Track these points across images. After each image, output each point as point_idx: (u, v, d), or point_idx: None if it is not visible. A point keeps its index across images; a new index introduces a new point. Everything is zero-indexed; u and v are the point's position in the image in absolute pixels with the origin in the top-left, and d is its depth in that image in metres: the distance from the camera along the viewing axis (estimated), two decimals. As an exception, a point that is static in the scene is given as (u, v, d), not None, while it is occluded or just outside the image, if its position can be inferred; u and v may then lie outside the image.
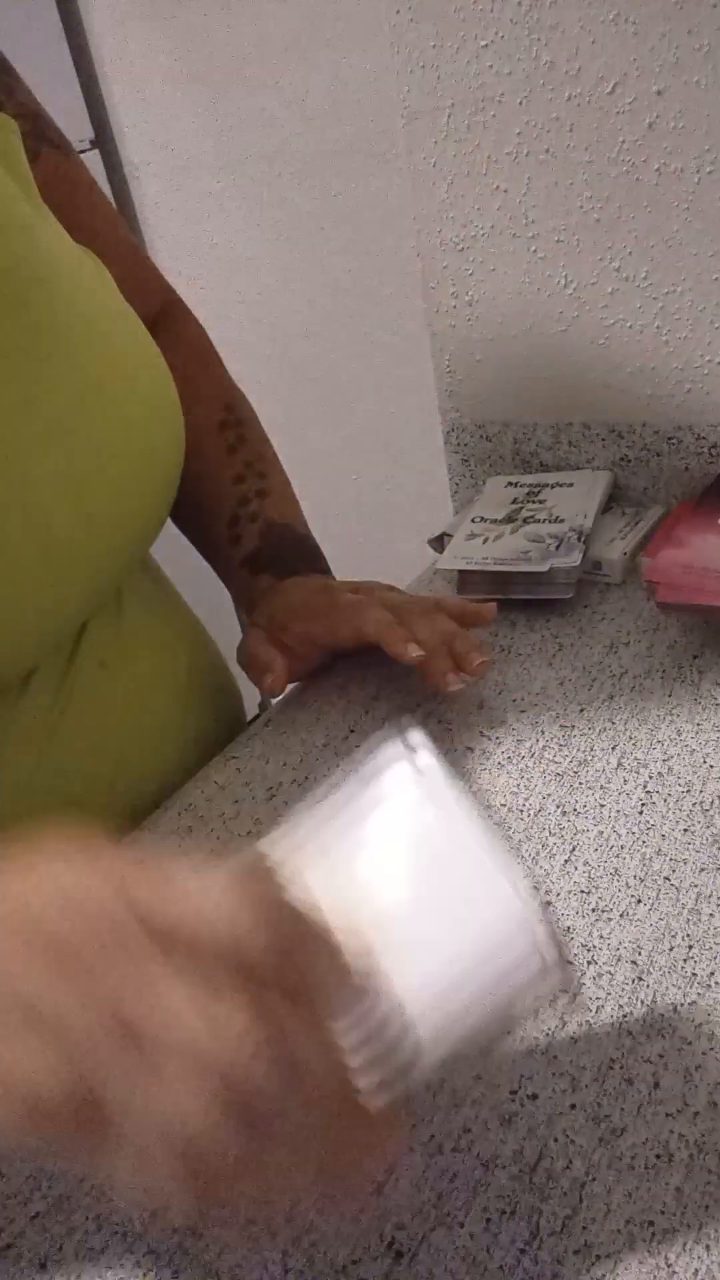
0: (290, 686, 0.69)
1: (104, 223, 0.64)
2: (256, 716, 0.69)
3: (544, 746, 0.61)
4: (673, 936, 0.46)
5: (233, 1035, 0.26)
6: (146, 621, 0.62)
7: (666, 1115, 0.39)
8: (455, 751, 0.61)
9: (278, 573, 0.67)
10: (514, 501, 0.83)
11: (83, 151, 1.39)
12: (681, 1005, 0.43)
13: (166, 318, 0.71)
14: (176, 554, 0.70)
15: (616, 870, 0.51)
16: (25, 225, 0.50)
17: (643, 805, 0.55)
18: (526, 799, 0.57)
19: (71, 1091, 0.27)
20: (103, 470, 0.52)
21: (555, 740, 0.61)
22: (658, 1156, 0.38)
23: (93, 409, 0.51)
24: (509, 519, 0.80)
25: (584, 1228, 0.36)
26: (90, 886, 0.29)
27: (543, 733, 0.62)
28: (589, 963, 0.46)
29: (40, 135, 0.59)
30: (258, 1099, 0.26)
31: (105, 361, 0.53)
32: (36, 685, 0.54)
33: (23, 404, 0.48)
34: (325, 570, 0.70)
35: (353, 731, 0.65)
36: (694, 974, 0.44)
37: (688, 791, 0.55)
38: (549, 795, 0.57)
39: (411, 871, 0.35)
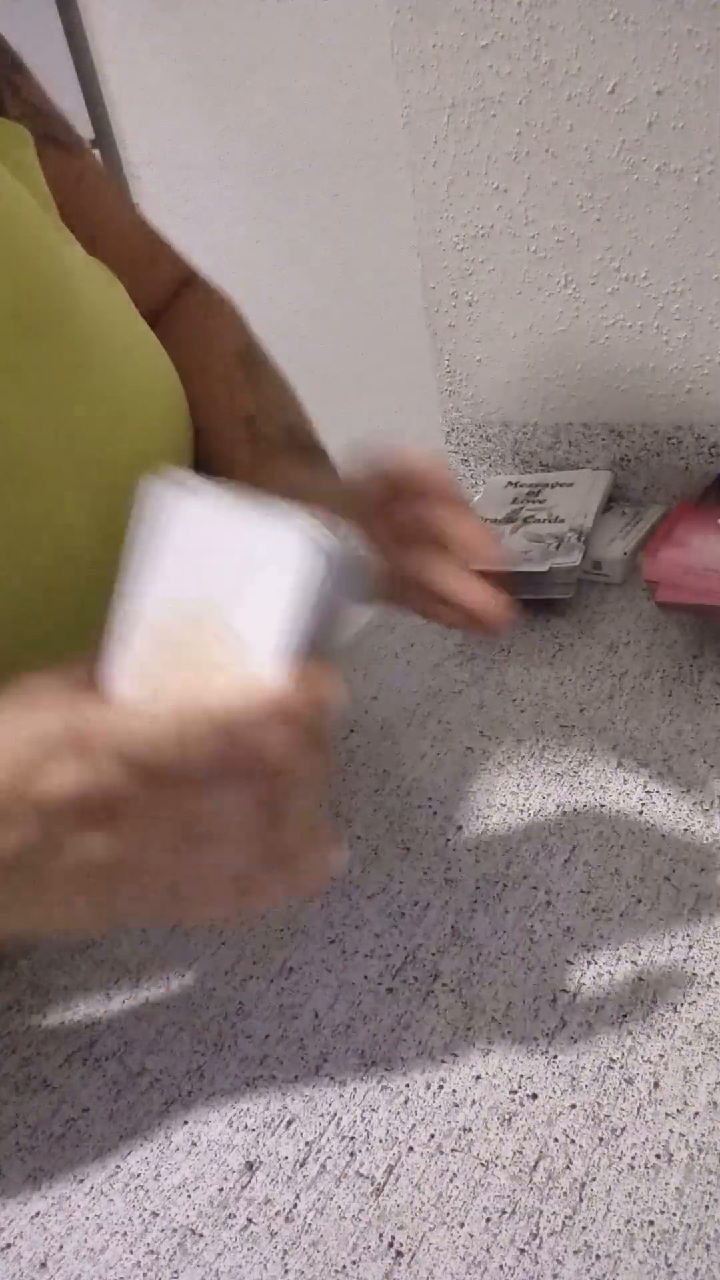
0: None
1: (111, 215, 0.64)
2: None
3: (544, 746, 0.61)
4: (673, 936, 0.46)
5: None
6: None
7: (666, 1115, 0.39)
8: (455, 751, 0.61)
9: (295, 450, 0.60)
10: (514, 501, 0.83)
11: (83, 151, 1.38)
12: (681, 1005, 0.43)
13: (188, 287, 0.71)
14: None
15: (616, 870, 0.51)
16: (52, 249, 0.51)
17: (643, 805, 0.55)
18: (526, 799, 0.57)
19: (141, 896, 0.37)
20: (124, 492, 0.52)
21: (555, 740, 0.61)
22: (658, 1156, 0.38)
23: (116, 435, 0.52)
24: (509, 519, 0.80)
25: (584, 1228, 0.36)
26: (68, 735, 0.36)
27: (543, 733, 0.62)
28: (589, 963, 0.46)
29: (45, 135, 0.59)
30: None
31: (127, 385, 0.53)
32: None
33: (53, 433, 0.49)
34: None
35: (352, 731, 0.65)
36: (694, 974, 0.44)
37: (688, 791, 0.55)
38: (549, 795, 0.57)
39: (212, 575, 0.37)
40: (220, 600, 0.37)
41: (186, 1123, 0.42)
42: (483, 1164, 0.38)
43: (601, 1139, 0.39)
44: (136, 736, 0.36)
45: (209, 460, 0.63)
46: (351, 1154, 0.39)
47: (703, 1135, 0.38)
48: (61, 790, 0.36)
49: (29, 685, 0.40)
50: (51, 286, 0.50)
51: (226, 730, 0.36)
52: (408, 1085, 0.42)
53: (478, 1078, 0.41)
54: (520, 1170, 0.38)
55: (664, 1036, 0.42)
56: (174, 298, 0.68)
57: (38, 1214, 0.39)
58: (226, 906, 0.40)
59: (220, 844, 0.39)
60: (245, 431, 0.62)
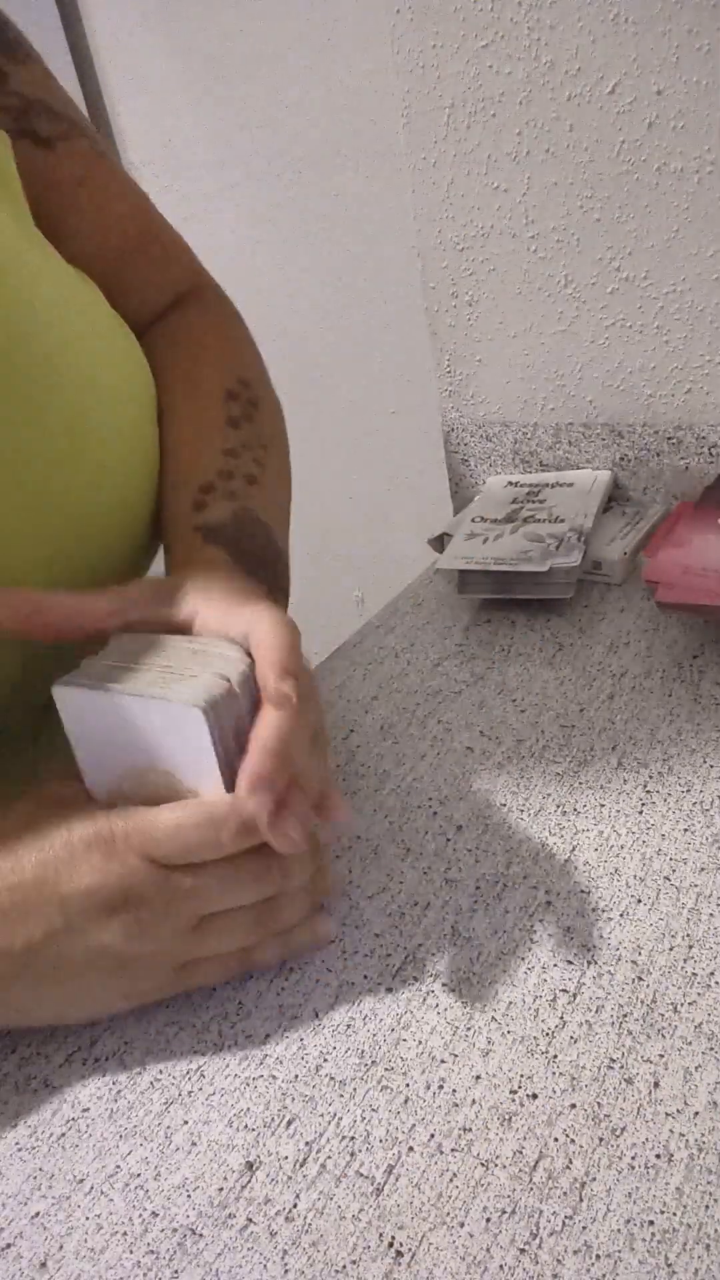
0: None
1: (101, 208, 0.59)
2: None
3: (544, 746, 0.61)
4: (673, 936, 0.46)
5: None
6: None
7: (666, 1115, 0.39)
8: (455, 751, 0.61)
9: (235, 556, 0.52)
10: (514, 501, 0.83)
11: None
12: (681, 1005, 0.43)
13: (186, 300, 0.65)
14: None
15: (616, 870, 0.51)
16: (19, 262, 0.48)
17: (643, 805, 0.55)
18: (526, 799, 0.57)
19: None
20: (78, 533, 0.50)
21: (555, 740, 0.61)
22: (658, 1156, 0.38)
23: (74, 465, 0.49)
24: (509, 519, 0.81)
25: (584, 1228, 0.36)
26: (96, 838, 0.41)
27: (543, 733, 0.62)
28: (589, 963, 0.46)
29: (22, 130, 0.55)
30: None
31: (90, 412, 0.50)
32: (10, 738, 0.53)
33: (2, 466, 0.46)
34: (283, 595, 0.56)
35: (353, 731, 0.65)
36: (694, 974, 0.44)
37: (688, 791, 0.55)
38: (549, 795, 0.57)
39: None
40: (153, 762, 0.43)
41: (186, 1123, 0.42)
42: (483, 1164, 0.38)
43: (601, 1139, 0.39)
44: (160, 835, 0.41)
45: (159, 513, 0.56)
46: (351, 1154, 0.39)
47: (703, 1135, 0.38)
48: (87, 884, 0.41)
49: (54, 791, 0.46)
50: (13, 306, 0.47)
51: (236, 828, 0.41)
52: (408, 1085, 0.42)
53: (478, 1078, 0.41)
54: (520, 1170, 0.38)
55: (664, 1036, 0.42)
56: (175, 306, 0.63)
57: (38, 1214, 0.39)
58: (228, 974, 0.47)
59: (225, 927, 0.45)
60: (192, 507, 0.54)
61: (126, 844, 0.41)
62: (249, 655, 0.44)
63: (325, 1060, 0.43)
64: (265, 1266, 0.36)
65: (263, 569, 0.53)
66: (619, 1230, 0.36)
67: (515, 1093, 0.41)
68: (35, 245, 0.51)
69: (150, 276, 0.61)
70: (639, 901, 0.49)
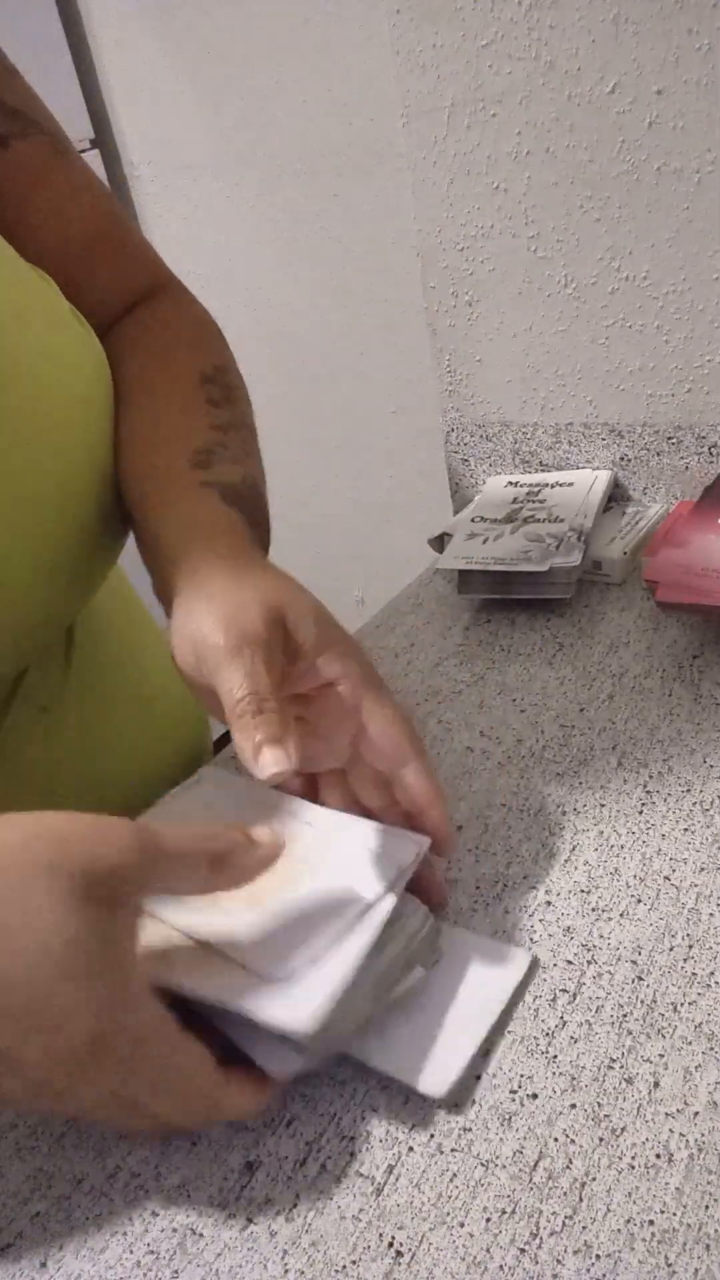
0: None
1: (58, 209, 0.58)
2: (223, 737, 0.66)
3: (544, 746, 0.61)
4: (673, 936, 0.46)
5: None
6: (98, 664, 0.60)
7: (666, 1115, 0.39)
8: (455, 751, 0.61)
9: (250, 525, 0.50)
10: (514, 501, 0.83)
11: (83, 151, 1.39)
12: (681, 1005, 0.43)
13: (151, 298, 0.64)
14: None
15: (616, 870, 0.51)
16: None
17: (643, 805, 0.55)
18: (526, 799, 0.57)
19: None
20: (30, 536, 0.49)
21: (555, 740, 0.61)
22: (658, 1156, 0.38)
23: (18, 467, 0.47)
24: (509, 519, 0.81)
25: (584, 1228, 0.36)
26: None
27: (543, 733, 0.62)
28: (589, 963, 0.46)
29: None
30: None
31: (38, 407, 0.48)
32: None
33: None
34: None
35: (353, 731, 0.65)
36: (694, 974, 0.44)
37: (688, 791, 0.55)
38: (549, 795, 0.57)
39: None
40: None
41: (186, 1123, 0.42)
42: (483, 1164, 0.38)
43: (601, 1139, 0.39)
44: None
45: (142, 498, 0.51)
46: (351, 1154, 0.39)
47: (703, 1135, 0.38)
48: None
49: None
50: None
51: None
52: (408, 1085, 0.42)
53: (477, 1078, 0.42)
54: (520, 1170, 0.38)
55: (664, 1036, 0.42)
56: (138, 304, 0.62)
57: (38, 1214, 0.39)
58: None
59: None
60: (192, 467, 0.51)
61: None
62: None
63: (325, 1060, 0.43)
64: (265, 1266, 0.36)
65: (263, 548, 0.51)
66: (619, 1230, 0.36)
67: (515, 1093, 0.41)
68: None
69: (110, 274, 0.60)
70: (639, 901, 0.49)
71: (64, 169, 0.58)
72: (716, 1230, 0.35)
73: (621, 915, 0.48)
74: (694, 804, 0.54)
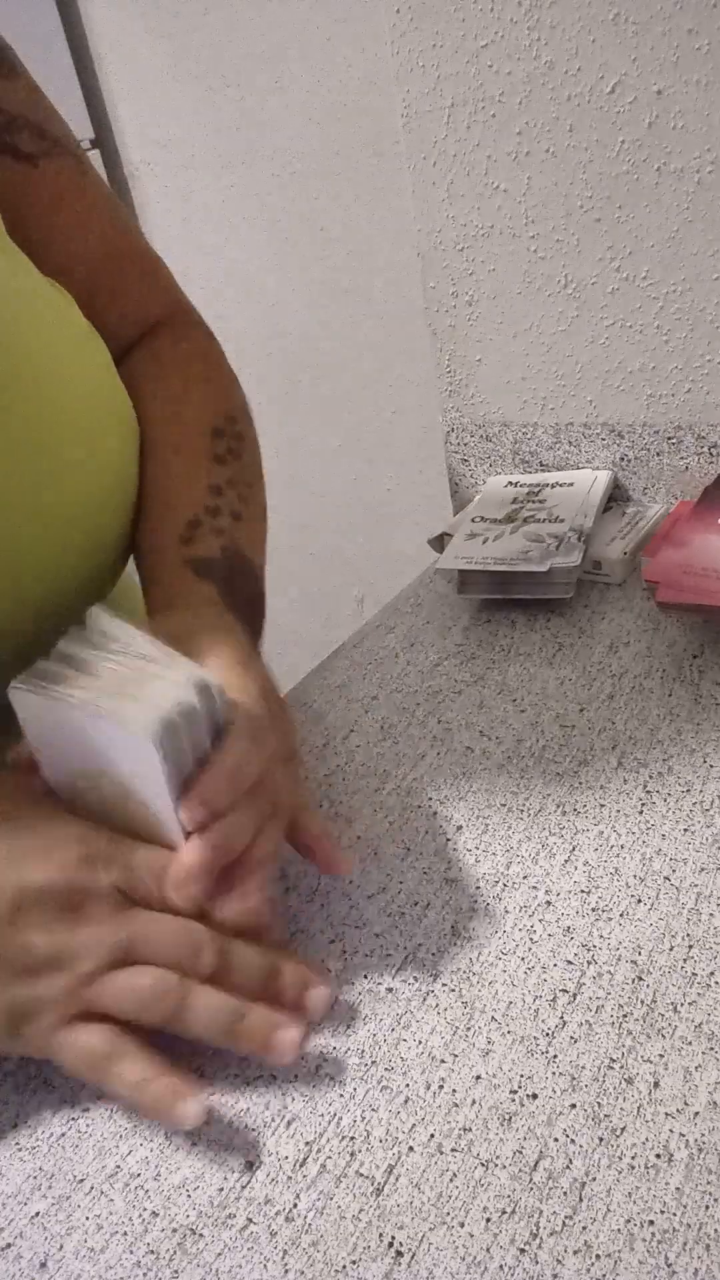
0: (291, 688, 0.69)
1: (80, 228, 0.59)
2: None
3: (544, 746, 0.61)
4: (673, 936, 0.46)
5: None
6: None
7: (666, 1115, 0.39)
8: (455, 751, 0.61)
9: (225, 592, 0.53)
10: (514, 501, 0.83)
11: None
12: (681, 1005, 0.43)
13: (166, 327, 0.65)
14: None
15: (616, 870, 0.51)
16: None
17: (643, 805, 0.55)
18: (526, 799, 0.57)
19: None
20: (43, 555, 0.50)
21: (555, 740, 0.61)
22: (658, 1156, 0.38)
23: (46, 484, 0.49)
24: (509, 519, 0.81)
25: (584, 1228, 0.36)
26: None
27: (543, 733, 0.62)
28: (589, 963, 0.46)
29: (4, 146, 0.55)
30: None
31: (64, 429, 0.49)
32: None
33: None
34: (259, 635, 0.57)
35: (352, 731, 0.65)
36: (694, 974, 0.44)
37: (688, 791, 0.55)
38: (549, 795, 0.57)
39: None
40: (106, 772, 0.43)
41: (186, 1123, 0.42)
42: (483, 1164, 0.38)
43: (601, 1139, 0.39)
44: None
45: (139, 543, 0.56)
46: (351, 1154, 0.39)
47: (703, 1135, 0.38)
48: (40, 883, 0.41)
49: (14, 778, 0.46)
50: None
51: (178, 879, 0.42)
52: (408, 1085, 0.42)
53: (478, 1078, 0.41)
54: (520, 1170, 0.38)
55: (664, 1036, 0.42)
56: (156, 332, 0.62)
57: (38, 1214, 0.39)
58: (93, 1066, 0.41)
59: (129, 981, 0.42)
60: (179, 540, 0.55)
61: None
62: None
63: (325, 1060, 0.43)
64: (265, 1266, 0.36)
65: (248, 608, 0.54)
66: (619, 1230, 0.36)
67: (515, 1093, 0.41)
68: (4, 252, 0.51)
69: (127, 297, 0.61)
70: (639, 901, 0.49)
71: (87, 190, 0.59)
72: (716, 1230, 0.35)
73: (621, 915, 0.48)
74: (694, 804, 0.54)
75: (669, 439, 0.82)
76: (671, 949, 0.46)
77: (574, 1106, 0.40)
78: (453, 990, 0.45)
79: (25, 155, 0.55)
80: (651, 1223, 0.36)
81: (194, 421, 0.59)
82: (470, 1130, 0.40)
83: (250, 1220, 0.38)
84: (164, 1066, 0.40)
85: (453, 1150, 0.39)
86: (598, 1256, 0.35)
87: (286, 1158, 0.40)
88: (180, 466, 0.57)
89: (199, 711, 0.42)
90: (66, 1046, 0.40)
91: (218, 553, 0.54)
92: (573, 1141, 0.39)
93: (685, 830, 0.52)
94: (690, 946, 0.46)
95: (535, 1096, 0.40)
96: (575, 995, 0.44)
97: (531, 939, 0.47)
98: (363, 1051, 0.43)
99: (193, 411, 0.60)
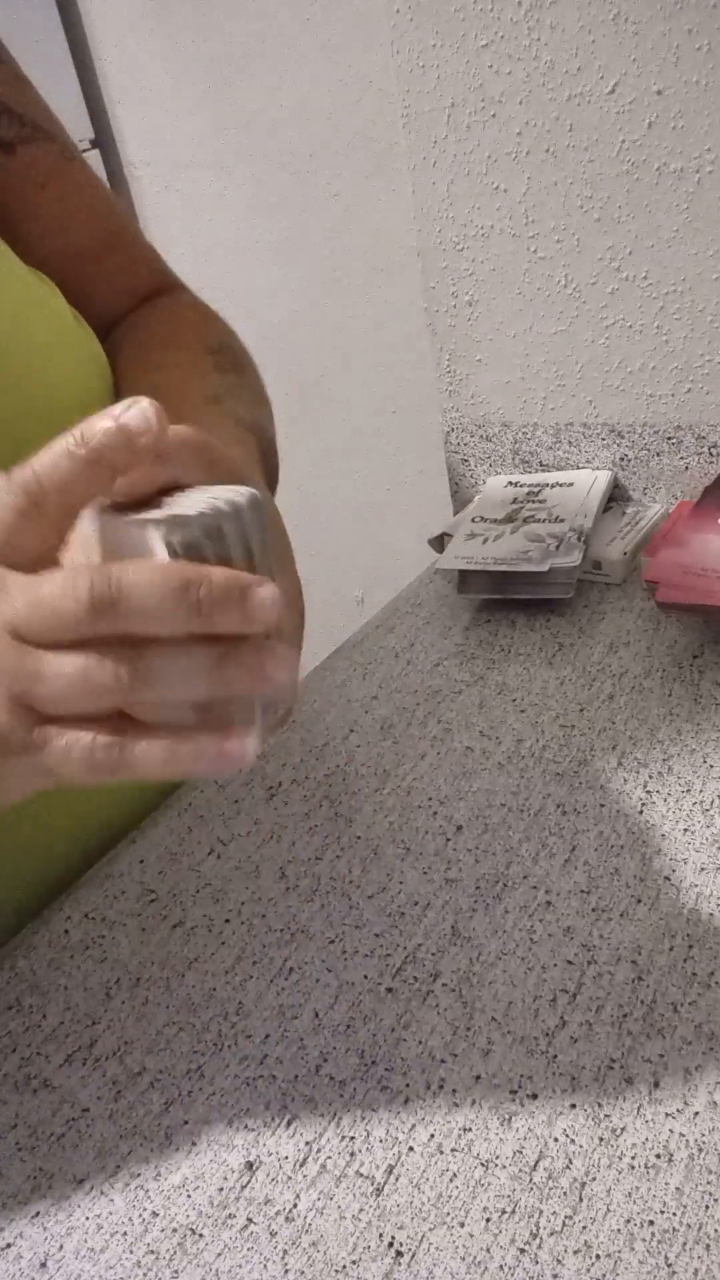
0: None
1: (66, 214, 0.58)
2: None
3: (544, 746, 0.61)
4: (673, 936, 0.46)
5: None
6: None
7: (666, 1115, 0.39)
8: (455, 751, 0.61)
9: (262, 452, 0.50)
10: (514, 501, 0.83)
11: (83, 151, 1.39)
12: (681, 1005, 0.43)
13: (160, 295, 0.64)
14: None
15: (616, 870, 0.51)
16: None
17: (643, 805, 0.55)
18: (526, 799, 0.57)
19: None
20: None
21: (555, 740, 0.61)
22: (658, 1156, 0.38)
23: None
24: (509, 519, 0.81)
25: (584, 1228, 0.36)
26: None
27: (543, 733, 0.62)
28: (589, 963, 0.46)
29: None
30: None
31: (43, 428, 0.47)
32: None
33: None
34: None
35: (352, 731, 0.65)
36: (694, 974, 0.44)
37: (688, 791, 0.55)
38: (549, 795, 0.57)
39: None
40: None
41: (186, 1123, 0.42)
42: (483, 1164, 0.38)
43: (601, 1139, 0.39)
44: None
45: None
46: (351, 1154, 0.39)
47: (703, 1135, 0.38)
48: None
49: None
50: None
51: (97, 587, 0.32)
52: (408, 1085, 0.42)
53: (478, 1078, 0.41)
54: (520, 1170, 0.38)
55: (664, 1036, 0.42)
56: (142, 303, 0.62)
57: (38, 1214, 0.39)
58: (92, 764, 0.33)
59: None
60: (205, 402, 0.51)
61: None
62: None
63: (325, 1060, 0.43)
64: (265, 1266, 0.36)
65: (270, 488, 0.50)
66: (619, 1230, 0.36)
67: (515, 1093, 0.41)
68: None
69: (116, 280, 0.60)
70: (639, 901, 0.49)
71: (71, 175, 0.58)
72: (716, 1230, 0.35)
73: (621, 915, 0.48)
74: (694, 804, 0.54)
75: (669, 439, 0.82)
76: (671, 949, 0.46)
77: (574, 1106, 0.40)
78: (453, 990, 0.45)
79: (3, 142, 0.55)
80: (651, 1223, 0.36)
81: (191, 342, 0.57)
82: (470, 1130, 0.40)
83: (250, 1220, 0.38)
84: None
85: (453, 1150, 0.39)
86: (598, 1256, 0.35)
87: (286, 1158, 0.40)
88: (181, 374, 0.54)
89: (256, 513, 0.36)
90: (59, 749, 0.33)
91: (251, 419, 0.51)
92: (573, 1141, 0.39)
93: (685, 830, 0.52)
94: (690, 946, 0.46)
95: (535, 1096, 0.40)
96: (575, 995, 0.44)
97: (531, 939, 0.47)
98: (363, 1051, 0.43)
99: (189, 334, 0.57)
